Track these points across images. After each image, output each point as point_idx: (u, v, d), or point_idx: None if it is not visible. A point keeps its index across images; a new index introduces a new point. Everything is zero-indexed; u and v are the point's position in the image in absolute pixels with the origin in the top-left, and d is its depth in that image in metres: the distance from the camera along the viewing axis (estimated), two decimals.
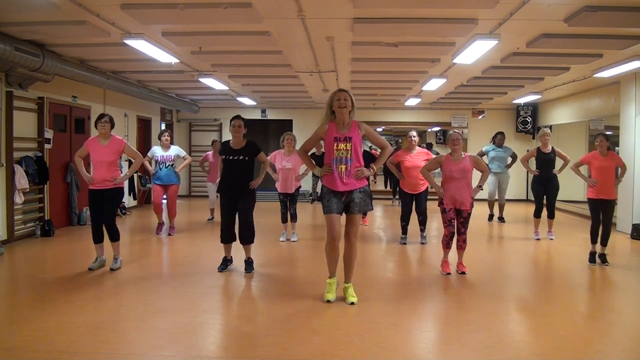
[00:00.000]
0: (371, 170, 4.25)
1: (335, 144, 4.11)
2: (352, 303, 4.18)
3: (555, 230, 7.54)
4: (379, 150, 4.46)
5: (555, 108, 11.69)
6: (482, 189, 5.48)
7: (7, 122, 6.71)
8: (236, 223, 5.29)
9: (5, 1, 4.78)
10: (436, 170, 5.59)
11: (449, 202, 5.20)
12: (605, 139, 5.79)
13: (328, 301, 4.21)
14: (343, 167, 4.11)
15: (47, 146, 7.57)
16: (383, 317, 3.98)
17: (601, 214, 5.77)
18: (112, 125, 5.37)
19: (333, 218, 4.14)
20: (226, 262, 5.36)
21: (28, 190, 6.97)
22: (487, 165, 7.91)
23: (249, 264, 5.33)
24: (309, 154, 4.59)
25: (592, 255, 5.79)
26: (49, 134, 7.61)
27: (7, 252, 6.24)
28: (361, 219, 4.29)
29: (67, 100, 8.20)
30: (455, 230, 5.25)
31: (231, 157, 5.18)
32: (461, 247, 5.26)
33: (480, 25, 5.33)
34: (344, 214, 4.24)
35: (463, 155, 5.27)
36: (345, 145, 4.10)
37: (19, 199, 6.80)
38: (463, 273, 5.22)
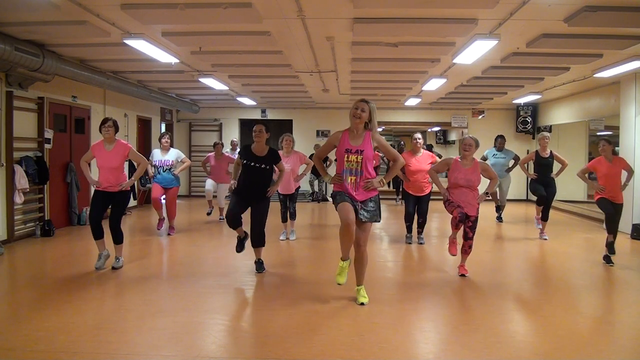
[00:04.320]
0: (381, 183, 4.21)
1: (346, 156, 4.11)
2: (362, 304, 4.21)
3: (555, 230, 7.54)
4: (381, 153, 4.52)
5: (555, 108, 11.69)
6: (488, 196, 5.45)
7: (7, 122, 6.71)
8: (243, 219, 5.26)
9: (5, 1, 4.78)
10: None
11: (455, 200, 5.16)
12: (607, 144, 5.76)
13: (339, 284, 4.20)
14: (353, 178, 4.10)
15: (47, 146, 7.56)
16: (383, 317, 3.99)
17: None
18: (117, 129, 5.37)
19: (345, 205, 4.05)
20: (242, 242, 5.31)
21: (28, 190, 6.97)
22: None
23: (259, 264, 5.35)
24: (308, 155, 4.65)
25: (611, 245, 5.73)
26: (49, 134, 7.60)
27: (7, 252, 6.24)
28: (370, 227, 4.30)
29: (67, 100, 8.19)
30: (462, 235, 5.19)
31: (252, 164, 5.11)
32: (466, 252, 5.22)
33: (480, 25, 5.33)
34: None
35: (473, 162, 5.20)
36: (356, 158, 4.09)
37: (19, 199, 6.81)
38: (462, 275, 5.19)
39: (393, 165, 4.41)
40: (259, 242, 5.24)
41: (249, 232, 5.27)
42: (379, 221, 4.32)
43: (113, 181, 5.27)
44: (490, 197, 5.59)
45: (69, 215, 8.26)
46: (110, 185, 5.27)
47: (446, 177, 5.55)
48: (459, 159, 5.24)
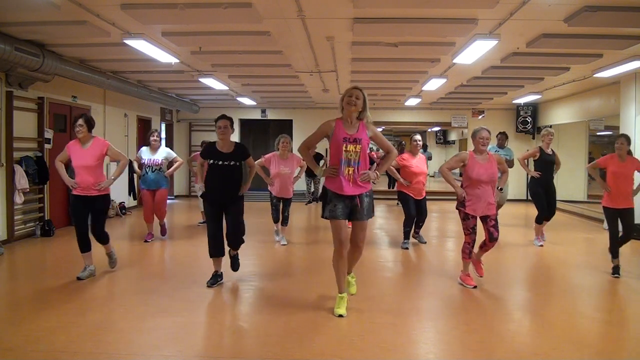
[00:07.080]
0: (375, 174, 4.08)
1: (345, 145, 3.87)
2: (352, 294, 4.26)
3: (555, 230, 7.53)
4: (381, 151, 4.45)
5: (555, 108, 11.69)
6: (502, 192, 5.10)
7: (7, 122, 6.72)
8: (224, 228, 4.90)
9: (5, 1, 4.79)
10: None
11: (474, 209, 4.72)
12: (626, 142, 5.29)
13: (340, 315, 3.92)
14: (350, 169, 3.88)
15: (47, 146, 7.57)
16: (383, 317, 3.99)
17: (619, 222, 5.38)
18: (91, 126, 4.94)
19: (339, 223, 3.91)
20: (216, 277, 4.84)
21: (28, 190, 6.97)
22: None
23: (234, 259, 5.01)
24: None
25: (616, 269, 5.32)
26: (49, 134, 7.61)
27: (7, 252, 6.25)
28: (367, 224, 4.13)
29: (67, 100, 8.20)
30: (487, 237, 4.79)
31: (220, 162, 4.70)
32: (486, 250, 4.91)
33: (480, 25, 5.33)
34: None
35: (488, 155, 4.80)
36: (355, 147, 3.88)
37: (19, 199, 6.81)
38: (480, 277, 4.97)
39: (387, 156, 4.22)
40: (235, 244, 4.93)
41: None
42: (373, 216, 4.17)
43: (91, 182, 4.83)
44: (502, 192, 5.26)
45: (69, 215, 8.25)
46: (89, 186, 4.83)
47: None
48: (474, 154, 4.81)
